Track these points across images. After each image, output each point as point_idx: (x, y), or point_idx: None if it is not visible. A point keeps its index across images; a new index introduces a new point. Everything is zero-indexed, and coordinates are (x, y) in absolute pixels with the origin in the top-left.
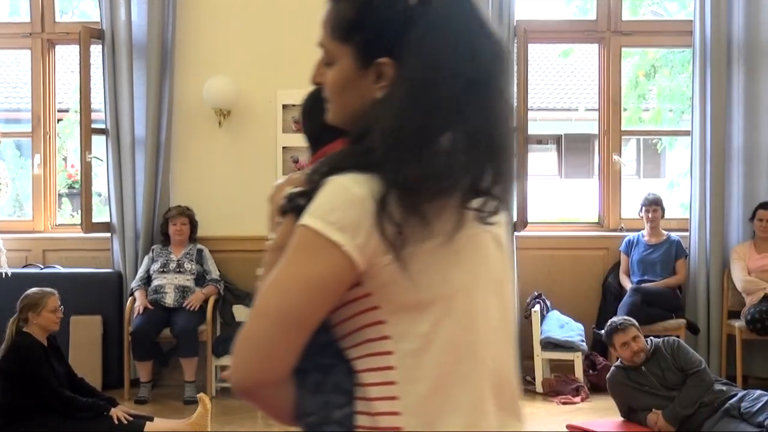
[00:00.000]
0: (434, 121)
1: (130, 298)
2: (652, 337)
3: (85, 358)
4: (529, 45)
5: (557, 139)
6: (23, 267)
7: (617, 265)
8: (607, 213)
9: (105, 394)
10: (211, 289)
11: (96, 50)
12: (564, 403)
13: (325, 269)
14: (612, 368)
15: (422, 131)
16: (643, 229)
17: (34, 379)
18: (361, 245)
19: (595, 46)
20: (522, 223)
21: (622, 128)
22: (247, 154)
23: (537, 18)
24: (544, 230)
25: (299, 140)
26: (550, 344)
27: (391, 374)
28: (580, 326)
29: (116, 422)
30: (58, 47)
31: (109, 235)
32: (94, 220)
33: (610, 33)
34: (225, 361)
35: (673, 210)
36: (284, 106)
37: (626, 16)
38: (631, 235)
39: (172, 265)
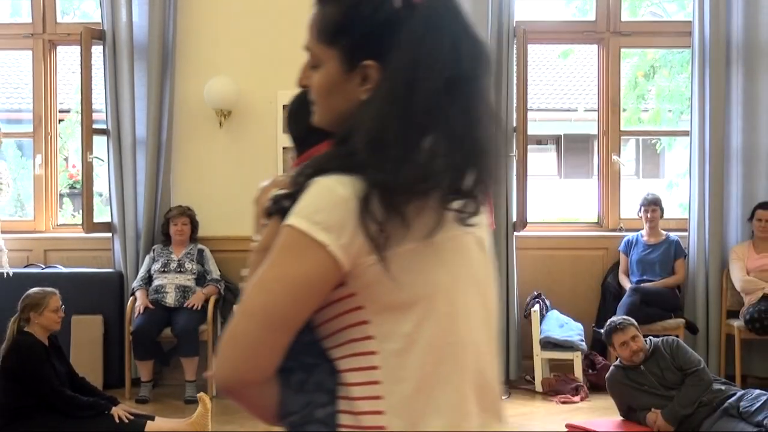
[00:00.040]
0: (415, 123)
1: (131, 297)
2: (651, 337)
3: (86, 357)
4: (529, 46)
5: (557, 140)
6: (25, 267)
7: (616, 264)
8: (606, 213)
9: (106, 393)
10: (211, 288)
11: (97, 51)
12: (563, 403)
13: (310, 269)
14: (611, 368)
15: (403, 133)
16: (642, 229)
17: (36, 379)
18: (345, 245)
19: (595, 46)
20: (521, 223)
21: (622, 128)
22: (247, 154)
23: (536, 19)
24: (544, 230)
25: None
26: (549, 344)
27: (375, 374)
28: (580, 326)
29: (117, 421)
30: (59, 48)
31: (110, 235)
32: (96, 220)
33: (609, 34)
34: None
35: (672, 210)
36: (284, 107)
37: (625, 16)
38: (630, 235)
39: (173, 265)
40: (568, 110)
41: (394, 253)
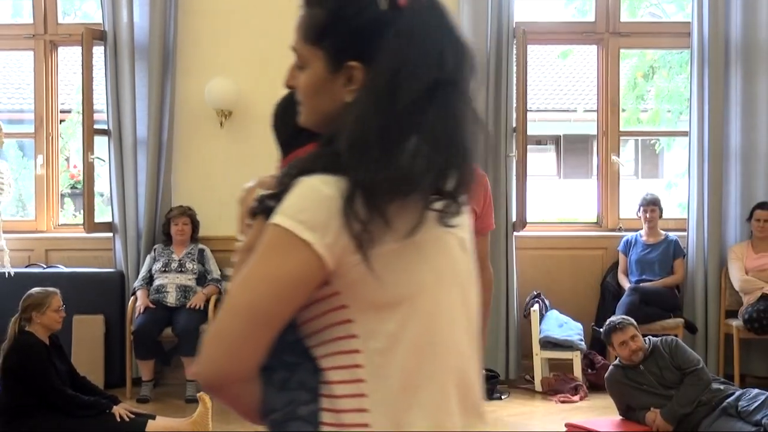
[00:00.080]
0: (398, 125)
1: (132, 297)
2: (650, 336)
3: (87, 357)
4: (528, 46)
5: (556, 140)
6: (26, 266)
7: (616, 264)
8: (605, 213)
9: (107, 392)
10: (212, 288)
11: (98, 51)
12: (563, 402)
13: (295, 267)
14: (610, 367)
15: (386, 135)
16: (642, 229)
17: (37, 378)
18: (330, 244)
19: (594, 47)
20: (521, 223)
21: (621, 129)
22: (248, 154)
23: (536, 20)
24: (543, 230)
25: None
26: (549, 343)
27: (359, 372)
28: (579, 325)
29: (118, 420)
30: (60, 48)
31: (111, 234)
32: (97, 220)
33: (608, 34)
34: None
35: (671, 210)
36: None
37: (624, 17)
38: (629, 235)
39: (174, 265)
40: (568, 111)
41: (378, 252)
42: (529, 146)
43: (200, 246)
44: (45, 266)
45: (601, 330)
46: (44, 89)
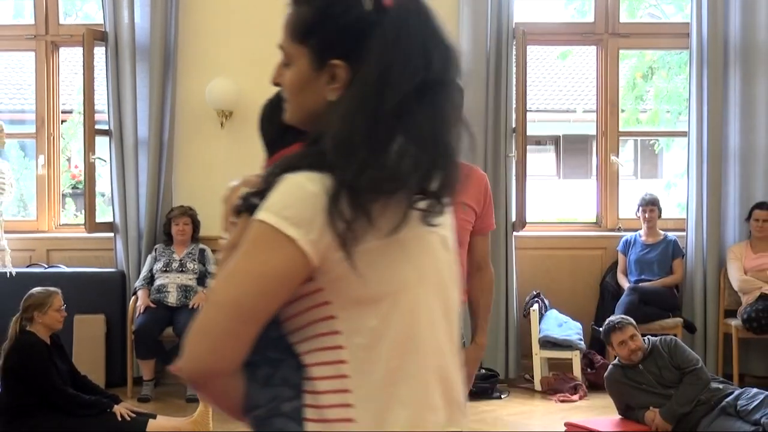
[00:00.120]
0: (384, 125)
1: (133, 297)
2: (649, 336)
3: (88, 356)
4: (528, 47)
5: (556, 140)
6: (27, 266)
7: (615, 264)
8: (604, 213)
9: (108, 391)
10: None
11: (99, 52)
12: (562, 401)
13: (279, 263)
14: (610, 366)
15: (373, 135)
16: (641, 229)
17: (38, 378)
18: (314, 240)
19: (593, 48)
20: (521, 223)
21: (620, 129)
22: (248, 154)
23: (535, 20)
24: (543, 230)
25: None
26: (548, 343)
27: (343, 368)
28: (579, 325)
29: (119, 419)
30: (61, 49)
31: (112, 234)
32: (98, 220)
33: (607, 35)
34: None
35: (671, 210)
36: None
37: (624, 18)
38: (628, 235)
39: (175, 265)
40: (567, 111)
41: (362, 249)
42: (528, 146)
43: (201, 246)
44: (46, 266)
45: (601, 329)
46: (45, 90)
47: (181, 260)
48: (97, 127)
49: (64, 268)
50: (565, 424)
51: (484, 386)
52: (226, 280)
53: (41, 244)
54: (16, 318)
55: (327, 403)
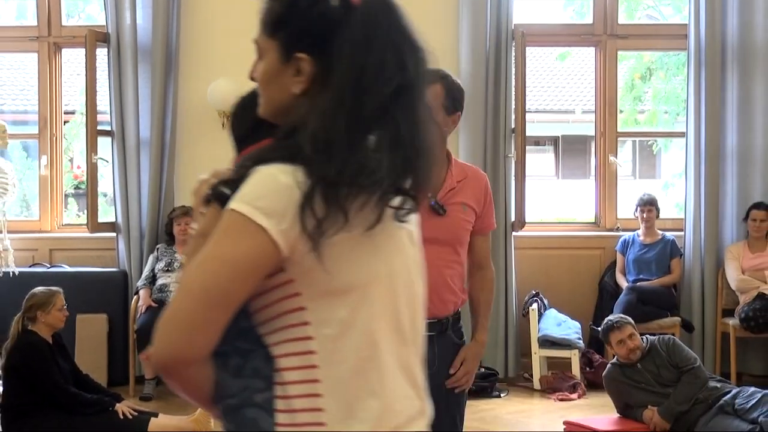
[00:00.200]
0: (361, 124)
1: (135, 296)
2: (647, 335)
3: (90, 355)
4: (527, 48)
5: (555, 141)
6: (30, 266)
7: (613, 264)
8: (603, 213)
9: (110, 390)
10: None
11: (102, 53)
12: (561, 400)
13: (250, 251)
14: (608, 365)
15: (349, 134)
16: (639, 229)
17: (40, 377)
18: (285, 231)
19: (592, 49)
20: (520, 223)
21: (618, 130)
22: None
23: (535, 22)
24: (542, 230)
25: None
26: (547, 342)
27: (312, 358)
28: (577, 324)
29: (121, 418)
30: (64, 50)
31: (114, 234)
32: (100, 220)
33: (606, 36)
34: None
35: (669, 210)
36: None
37: (622, 19)
38: (626, 235)
39: (177, 265)
40: (566, 112)
41: (332, 242)
42: (527, 147)
43: None
44: (49, 266)
45: (599, 329)
46: (48, 91)
47: (182, 260)
48: (99, 127)
49: (66, 268)
50: (564, 423)
51: (484, 385)
52: (197, 268)
53: (44, 244)
54: (18, 317)
55: (295, 393)
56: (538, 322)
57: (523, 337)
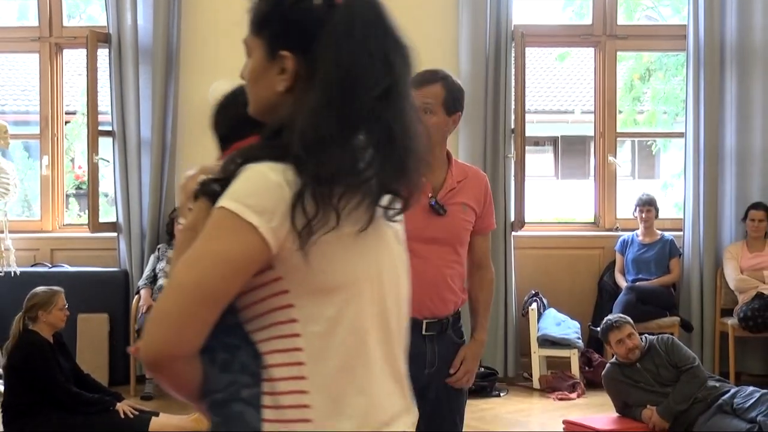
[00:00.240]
0: (350, 123)
1: (136, 296)
2: (646, 335)
3: (92, 355)
4: (527, 49)
5: (554, 141)
6: (31, 266)
7: (613, 264)
8: (602, 213)
9: (111, 389)
10: None
11: (103, 54)
12: (560, 399)
13: (240, 248)
14: (607, 365)
15: (339, 132)
16: (638, 228)
17: (41, 376)
18: (275, 229)
19: (591, 49)
20: (519, 223)
21: (618, 130)
22: None
23: (534, 22)
24: (541, 230)
25: None
26: (546, 341)
27: (299, 355)
28: (577, 324)
29: (122, 417)
30: (65, 51)
31: (115, 234)
32: (101, 219)
33: (605, 37)
34: None
35: (668, 210)
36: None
37: (621, 20)
38: (625, 235)
39: None
40: (565, 112)
41: (321, 241)
42: (527, 147)
43: None
44: (50, 265)
45: (597, 330)
46: (49, 91)
47: None
48: (100, 128)
49: (67, 268)
50: (564, 422)
51: (483, 384)
52: (186, 264)
53: (45, 244)
54: (19, 317)
55: (282, 390)
56: (538, 322)
57: (523, 336)
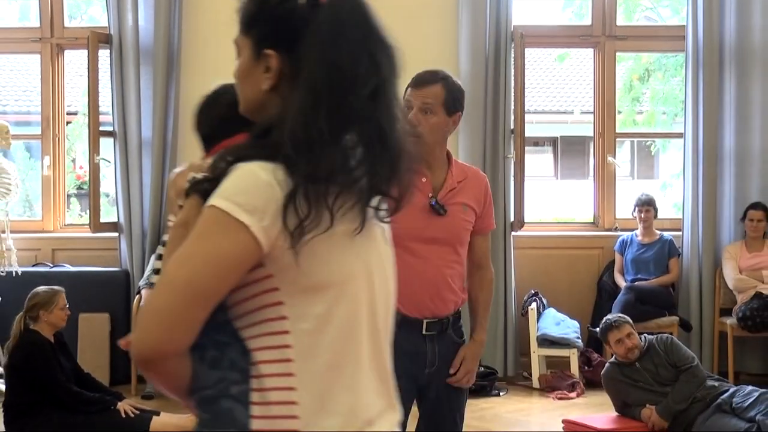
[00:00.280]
0: (340, 122)
1: (137, 296)
2: (645, 334)
3: (93, 354)
4: (526, 49)
5: (553, 142)
6: (33, 266)
7: (612, 263)
8: (601, 213)
9: (112, 389)
10: None
11: (104, 54)
12: (560, 399)
13: (231, 247)
14: (607, 364)
15: (328, 132)
16: (637, 229)
17: (42, 375)
18: (266, 227)
19: (591, 50)
20: (519, 223)
21: (617, 131)
22: None
23: (534, 23)
24: (541, 230)
25: None
26: (546, 341)
27: (287, 352)
28: (576, 323)
29: (123, 416)
30: (66, 52)
31: (116, 234)
32: (102, 220)
33: (605, 38)
34: None
35: (667, 210)
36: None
37: (621, 21)
38: (625, 235)
39: None
40: (565, 113)
41: (313, 239)
42: (526, 147)
43: None
44: (51, 265)
45: (596, 330)
46: (51, 92)
47: None
48: (101, 128)
49: (68, 268)
50: (563, 422)
51: (483, 384)
52: (178, 262)
53: (46, 244)
54: (20, 316)
55: (270, 386)
56: (537, 322)
57: (522, 336)
